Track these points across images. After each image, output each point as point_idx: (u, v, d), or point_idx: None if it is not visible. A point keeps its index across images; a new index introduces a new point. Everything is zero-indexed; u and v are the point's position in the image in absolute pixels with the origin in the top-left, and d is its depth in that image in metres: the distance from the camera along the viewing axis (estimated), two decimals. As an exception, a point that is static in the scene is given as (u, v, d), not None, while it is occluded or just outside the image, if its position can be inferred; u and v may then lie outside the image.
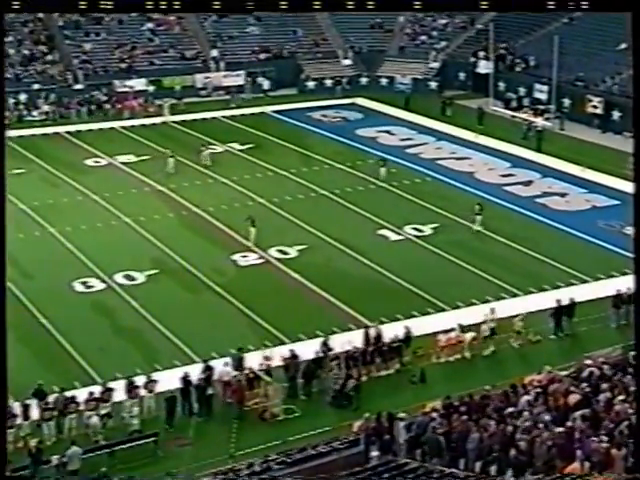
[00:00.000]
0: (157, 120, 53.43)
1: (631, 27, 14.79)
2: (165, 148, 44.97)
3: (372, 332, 26.13)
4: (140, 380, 23.61)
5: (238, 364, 24.50)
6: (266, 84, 59.87)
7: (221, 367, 24.27)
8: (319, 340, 25.83)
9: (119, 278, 31.30)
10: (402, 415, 20.88)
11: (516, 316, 27.16)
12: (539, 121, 50.32)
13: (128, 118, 53.85)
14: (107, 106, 55.32)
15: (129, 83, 57.43)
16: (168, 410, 23.07)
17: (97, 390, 23.14)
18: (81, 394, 22.97)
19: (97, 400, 22.69)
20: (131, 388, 23.18)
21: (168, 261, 32.93)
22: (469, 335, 26.30)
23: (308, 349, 25.41)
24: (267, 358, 24.74)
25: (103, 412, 22.50)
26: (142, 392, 23.31)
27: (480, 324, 26.79)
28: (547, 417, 19.61)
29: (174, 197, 39.96)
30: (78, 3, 15.99)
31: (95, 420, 22.30)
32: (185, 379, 23.48)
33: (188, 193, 40.32)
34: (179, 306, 29.52)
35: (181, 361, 25.62)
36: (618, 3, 16.36)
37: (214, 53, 61.21)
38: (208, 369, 23.99)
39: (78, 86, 56.64)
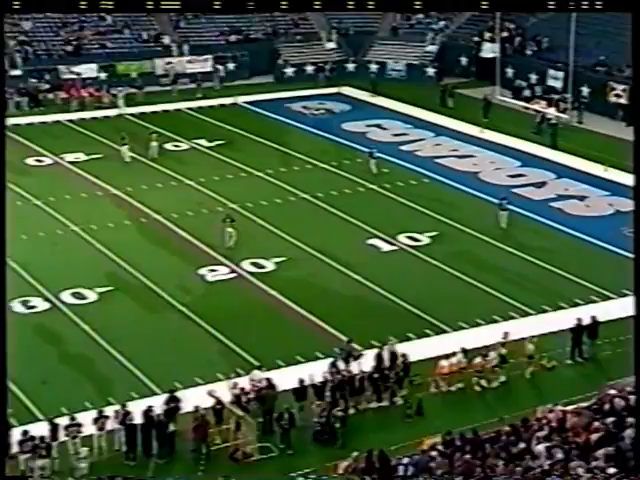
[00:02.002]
0: (110, 112, 53.49)
1: (631, 27, 16.05)
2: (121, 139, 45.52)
3: (385, 353, 26.12)
4: (90, 416, 23.46)
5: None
6: (222, 70, 59.62)
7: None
8: (327, 362, 25.94)
9: (66, 297, 31.21)
10: (404, 460, 20.72)
11: (528, 338, 27.25)
12: (553, 113, 50.61)
13: (76, 110, 53.87)
14: (51, 96, 55.31)
15: (77, 69, 57.50)
16: (129, 441, 22.98)
17: (38, 428, 22.93)
18: (17, 434, 22.66)
19: (37, 440, 22.45)
20: (78, 425, 23.00)
21: (124, 276, 32.87)
22: (476, 361, 26.29)
23: (287, 377, 25.38)
24: (234, 386, 24.69)
25: (46, 454, 22.29)
26: (91, 430, 23.14)
27: (487, 348, 26.79)
28: (564, 456, 19.63)
29: (131, 202, 39.93)
30: (78, 3, 18.21)
31: (36, 463, 22.10)
32: (147, 413, 23.35)
33: (148, 197, 40.32)
34: (137, 329, 29.47)
35: (139, 393, 25.53)
36: (618, 3, 18.08)
37: (176, 35, 61.30)
38: (173, 400, 23.89)
39: (16, 72, 56.45)
